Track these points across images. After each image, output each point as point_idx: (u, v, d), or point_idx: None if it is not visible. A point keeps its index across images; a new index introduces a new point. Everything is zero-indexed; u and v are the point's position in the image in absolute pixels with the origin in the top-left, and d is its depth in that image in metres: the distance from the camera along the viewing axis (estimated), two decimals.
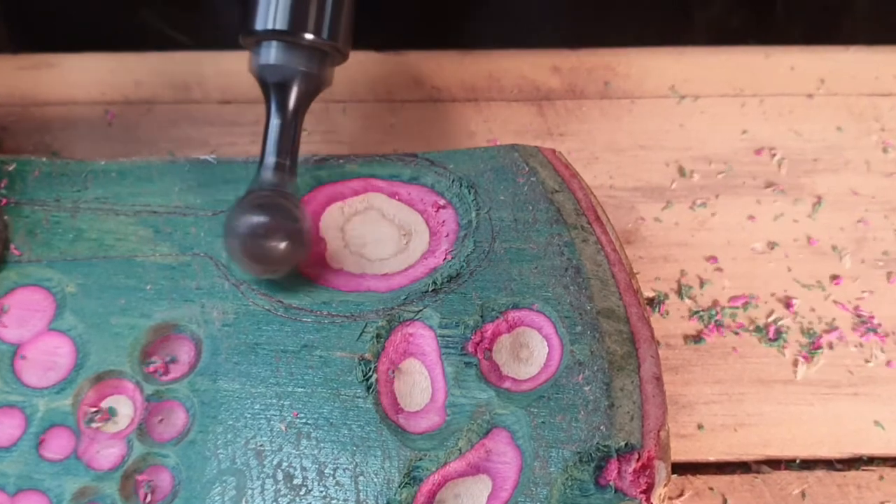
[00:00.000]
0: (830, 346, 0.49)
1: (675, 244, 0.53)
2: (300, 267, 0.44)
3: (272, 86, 0.43)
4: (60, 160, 0.48)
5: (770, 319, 0.50)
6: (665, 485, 0.38)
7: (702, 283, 0.51)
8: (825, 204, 0.54)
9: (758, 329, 0.50)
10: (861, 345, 0.49)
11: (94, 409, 0.42)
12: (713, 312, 0.50)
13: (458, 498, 0.39)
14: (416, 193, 0.46)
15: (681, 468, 0.46)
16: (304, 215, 0.42)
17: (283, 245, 0.41)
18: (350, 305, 0.43)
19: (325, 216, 0.47)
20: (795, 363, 0.49)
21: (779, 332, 0.49)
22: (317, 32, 0.43)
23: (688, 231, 0.53)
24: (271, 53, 0.43)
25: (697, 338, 0.49)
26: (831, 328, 0.50)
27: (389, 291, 0.43)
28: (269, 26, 0.43)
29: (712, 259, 0.52)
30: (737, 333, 0.50)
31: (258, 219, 0.41)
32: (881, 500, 0.45)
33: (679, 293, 0.51)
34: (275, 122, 0.43)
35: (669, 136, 0.57)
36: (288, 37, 0.43)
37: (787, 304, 0.51)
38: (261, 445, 0.40)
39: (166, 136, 0.57)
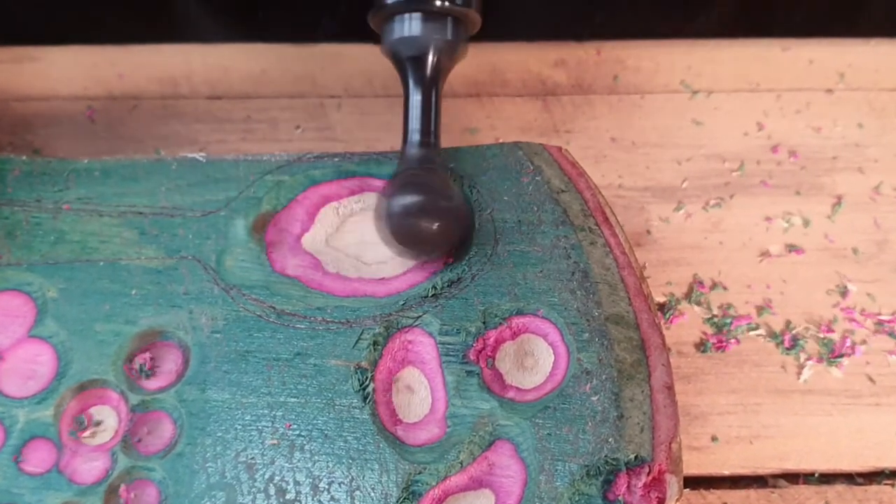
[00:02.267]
0: (850, 354, 0.49)
1: (687, 247, 0.53)
2: (291, 271, 0.44)
3: (408, 60, 0.44)
4: (41, 158, 0.48)
5: (787, 326, 0.50)
6: (677, 500, 0.38)
7: (715, 288, 0.51)
8: (845, 205, 0.54)
9: (774, 336, 0.50)
10: (883, 352, 0.49)
11: (80, 418, 0.42)
12: (727, 319, 0.50)
13: None
14: None
15: (693, 482, 0.46)
16: (457, 192, 0.43)
17: (438, 224, 0.42)
18: (346, 311, 0.43)
19: (320, 217, 0.47)
20: (814, 372, 0.49)
21: (795, 340, 0.49)
22: None
23: (701, 233, 0.53)
24: (405, 26, 0.44)
25: (719, 345, 0.49)
26: (851, 335, 0.50)
27: (387, 296, 0.43)
28: None
29: (726, 262, 0.52)
30: (752, 340, 0.50)
31: (412, 198, 0.41)
32: None
33: (691, 298, 0.51)
34: (415, 97, 0.44)
35: (681, 132, 0.57)
36: (420, 6, 0.44)
37: (805, 309, 0.51)
38: (252, 458, 0.40)
39: (152, 133, 0.57)
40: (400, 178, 0.42)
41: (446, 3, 0.43)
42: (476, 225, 0.44)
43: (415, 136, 0.43)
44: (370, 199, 0.47)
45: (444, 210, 0.42)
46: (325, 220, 0.46)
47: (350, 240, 0.46)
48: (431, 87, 0.44)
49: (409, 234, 0.42)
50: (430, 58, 0.44)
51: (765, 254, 0.52)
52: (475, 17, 0.45)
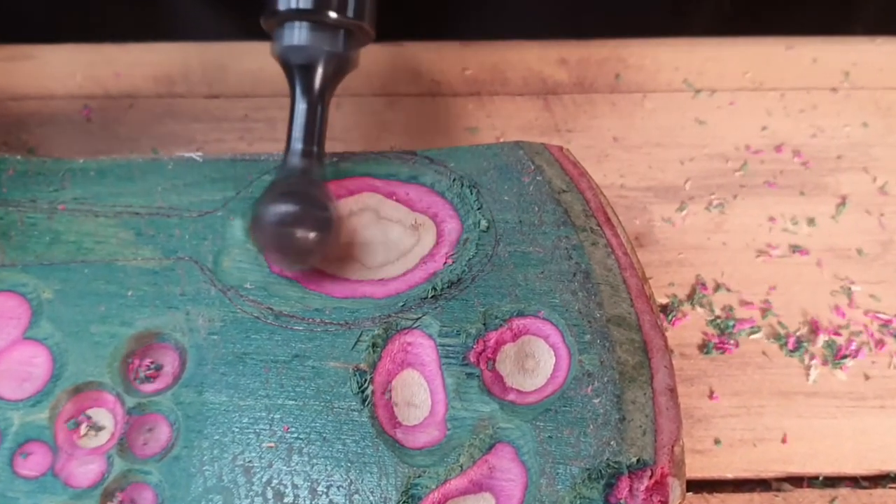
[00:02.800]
0: (855, 356, 0.49)
1: (689, 247, 0.53)
2: (288, 271, 0.44)
3: (296, 68, 0.44)
4: (37, 158, 0.48)
5: (791, 328, 0.50)
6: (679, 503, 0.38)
7: (718, 289, 0.51)
8: (850, 205, 0.54)
9: (777, 338, 0.50)
10: (888, 354, 0.49)
11: (77, 420, 0.42)
12: (730, 321, 0.50)
13: None
14: (414, 193, 0.46)
15: (696, 486, 0.46)
16: (333, 203, 0.43)
17: (312, 235, 0.42)
18: (344, 312, 0.43)
19: None
20: (818, 374, 0.49)
21: (799, 342, 0.49)
22: (341, 10, 0.43)
23: (703, 234, 0.53)
24: (294, 34, 0.44)
25: (721, 347, 0.49)
26: (856, 336, 0.50)
27: (386, 298, 0.43)
28: (292, 5, 0.43)
29: (730, 263, 0.52)
30: (755, 342, 0.50)
31: (286, 208, 0.42)
32: None
33: (694, 300, 0.51)
34: (300, 106, 0.44)
35: (684, 132, 0.57)
36: (312, 16, 0.43)
37: (809, 311, 0.51)
38: (249, 462, 0.40)
39: (149, 133, 0.57)
40: (277, 187, 0.42)
41: (337, 15, 0.43)
42: (478, 227, 0.44)
43: (297, 146, 0.43)
44: (369, 199, 0.47)
45: (320, 221, 0.42)
46: None
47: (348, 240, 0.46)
48: (319, 97, 0.44)
49: (283, 243, 0.42)
50: (319, 68, 0.44)
51: (768, 255, 0.52)
52: (368, 30, 0.45)
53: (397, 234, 0.46)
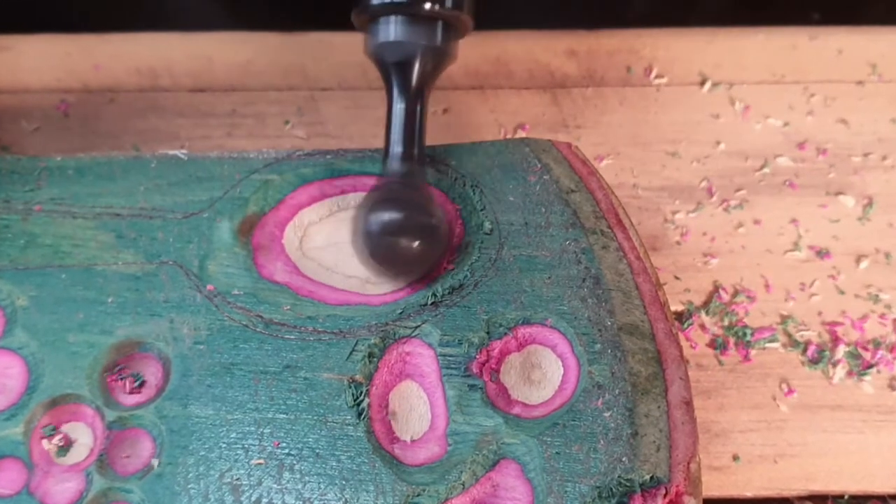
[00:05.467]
0: (883, 367, 0.49)
1: (706, 251, 0.53)
2: (280, 277, 0.45)
3: (392, 66, 0.44)
4: (10, 156, 0.49)
5: (813, 337, 0.50)
6: None
7: (737, 295, 0.51)
8: (877, 205, 0.54)
9: (800, 347, 0.50)
10: None
11: (51, 432, 0.43)
12: (749, 329, 0.50)
13: None
14: None
15: None
16: (438, 209, 0.43)
17: (417, 243, 0.42)
18: (338, 320, 0.43)
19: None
20: (843, 386, 0.49)
21: (821, 352, 0.49)
22: (438, 1, 0.43)
23: (721, 236, 0.53)
24: (390, 29, 0.44)
25: (741, 357, 0.50)
26: (884, 346, 0.50)
27: (383, 304, 0.44)
28: None
29: (749, 268, 0.52)
30: (776, 352, 0.50)
31: (390, 216, 0.42)
32: None
33: (710, 307, 0.51)
34: (398, 106, 0.44)
35: (700, 128, 0.57)
36: (406, 9, 0.43)
37: (834, 318, 0.51)
38: (237, 479, 0.40)
39: (131, 129, 0.57)
40: (379, 193, 0.43)
41: (435, 7, 0.43)
42: (481, 229, 0.44)
43: (396, 149, 0.44)
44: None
45: (426, 228, 0.42)
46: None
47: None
48: (417, 96, 0.44)
49: (386, 253, 0.42)
50: (417, 65, 0.44)
51: (790, 259, 0.53)
52: (466, 21, 0.45)
53: None
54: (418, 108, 0.44)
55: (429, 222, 0.42)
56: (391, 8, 0.43)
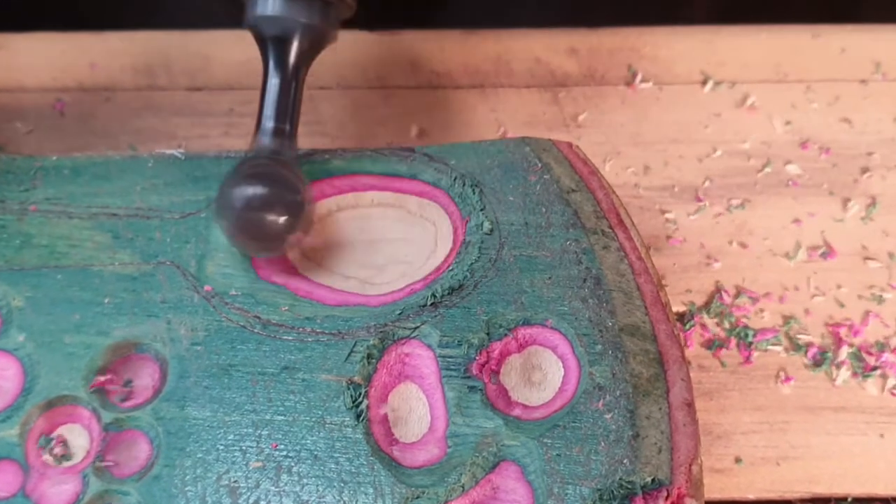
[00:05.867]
0: (886, 368, 0.49)
1: (708, 251, 0.53)
2: (278, 278, 0.45)
3: (270, 40, 0.44)
4: (6, 155, 0.49)
5: (816, 338, 0.50)
6: None
7: (739, 296, 0.51)
8: (880, 206, 0.54)
9: (802, 348, 0.50)
10: None
11: (49, 438, 0.43)
12: (751, 330, 0.50)
13: None
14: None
15: None
16: (304, 185, 0.43)
17: (282, 219, 0.42)
18: (337, 321, 0.43)
19: None
20: (847, 387, 0.49)
21: (823, 354, 0.49)
22: None
23: (724, 236, 0.53)
24: (268, 3, 0.44)
25: (742, 358, 0.50)
26: (888, 347, 0.50)
27: (382, 305, 0.44)
28: None
29: (751, 269, 0.52)
30: (778, 353, 0.50)
31: (254, 189, 0.42)
32: None
33: (712, 308, 0.51)
34: (273, 81, 0.44)
35: (702, 127, 0.57)
36: None
37: (837, 319, 0.51)
38: (235, 482, 0.40)
39: (127, 128, 0.58)
40: (246, 168, 0.43)
41: None
42: (481, 229, 0.44)
43: (268, 124, 0.44)
44: (363, 198, 0.47)
45: (291, 204, 0.42)
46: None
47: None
48: (293, 73, 0.44)
49: (251, 227, 0.42)
50: (295, 41, 0.44)
51: (793, 259, 0.53)
52: (349, 2, 0.45)
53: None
54: (293, 84, 0.44)
55: (293, 198, 0.42)
56: None
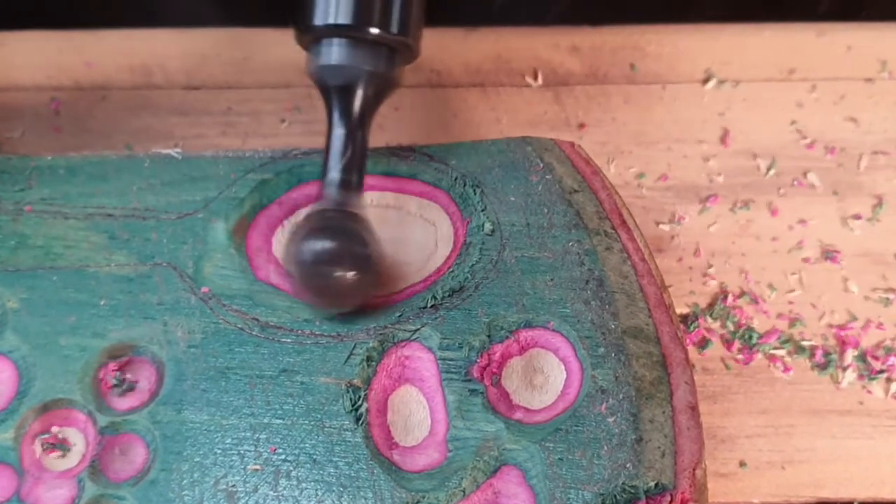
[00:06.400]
0: (893, 372, 0.49)
1: (712, 253, 0.53)
2: (276, 279, 0.45)
3: (334, 89, 0.44)
4: (0, 155, 0.49)
5: (821, 340, 0.50)
6: None
7: (742, 297, 0.51)
8: (887, 206, 0.54)
9: (808, 351, 0.50)
10: None
11: (46, 436, 0.43)
12: (755, 333, 0.50)
13: None
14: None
15: None
16: (374, 239, 0.43)
17: (350, 274, 0.41)
18: (336, 323, 0.43)
19: None
20: (853, 391, 0.49)
21: (828, 356, 0.49)
22: (384, 26, 0.43)
23: (728, 237, 0.53)
24: (332, 52, 0.43)
25: (746, 360, 0.50)
26: (894, 350, 0.50)
27: (381, 307, 0.44)
28: (330, 20, 0.43)
29: (756, 270, 0.52)
30: (783, 356, 0.50)
31: (322, 245, 0.41)
32: None
33: (715, 310, 0.51)
34: (338, 131, 0.43)
35: (707, 127, 0.57)
36: (351, 32, 0.43)
37: (843, 321, 0.51)
38: (233, 486, 0.40)
39: (123, 127, 0.57)
40: (313, 221, 0.42)
41: (380, 31, 0.43)
42: (482, 230, 0.44)
43: (334, 175, 0.43)
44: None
45: (360, 259, 0.42)
46: None
47: None
48: (358, 122, 0.44)
49: (319, 283, 0.42)
50: (359, 90, 0.43)
51: (798, 260, 0.53)
52: (413, 47, 0.45)
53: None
54: (359, 134, 0.44)
55: (363, 252, 0.42)
56: (335, 30, 0.43)
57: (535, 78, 0.58)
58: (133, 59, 0.60)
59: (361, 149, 0.44)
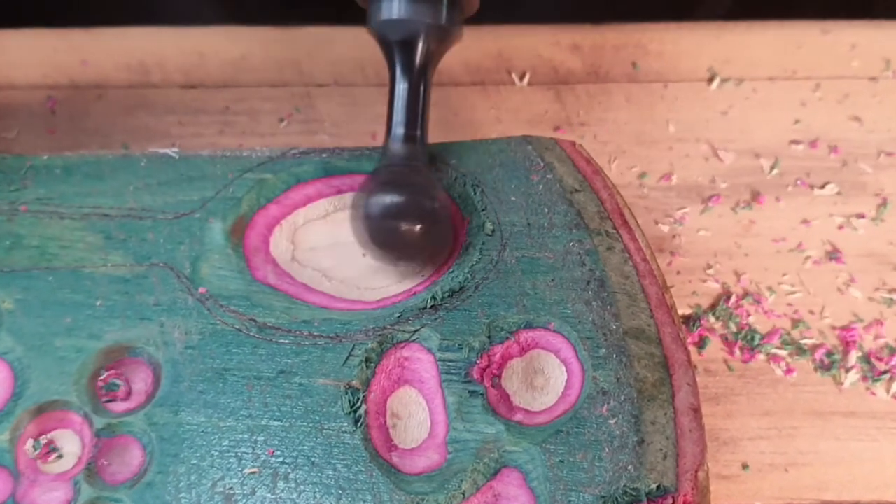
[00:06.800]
0: None
1: (715, 253, 0.53)
2: (274, 280, 0.45)
3: (396, 44, 0.44)
4: None
5: (825, 341, 0.50)
6: None
7: (745, 298, 0.51)
8: (891, 205, 0.54)
9: (811, 352, 0.50)
10: None
11: (38, 441, 0.43)
12: (758, 334, 0.50)
13: None
14: None
15: None
16: (441, 192, 0.43)
17: (419, 227, 0.42)
18: (335, 324, 0.43)
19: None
20: (857, 392, 0.49)
21: (831, 356, 0.49)
22: None
23: (731, 237, 0.53)
24: (393, 6, 0.44)
25: (745, 361, 0.50)
26: None
27: (381, 308, 0.44)
28: None
29: (759, 270, 0.52)
30: (787, 357, 0.50)
31: (390, 198, 0.42)
32: None
33: (718, 310, 0.51)
34: (401, 86, 0.44)
35: (709, 125, 0.57)
36: None
37: (847, 322, 0.51)
38: (230, 489, 0.40)
39: (120, 126, 0.58)
40: (380, 176, 0.43)
41: None
42: (482, 230, 0.44)
43: (399, 130, 0.44)
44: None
45: (428, 212, 0.42)
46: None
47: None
48: (420, 76, 0.44)
49: (388, 236, 0.42)
50: (420, 43, 0.44)
51: (802, 260, 0.53)
52: None
53: None
54: (422, 87, 0.44)
55: (431, 206, 0.43)
56: None
57: (522, 79, 0.59)
58: (130, 57, 0.60)
59: (424, 102, 0.45)
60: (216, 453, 0.41)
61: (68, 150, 0.51)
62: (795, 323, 0.51)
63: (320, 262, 0.46)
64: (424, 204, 0.42)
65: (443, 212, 0.43)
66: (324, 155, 0.47)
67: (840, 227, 0.53)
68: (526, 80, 0.59)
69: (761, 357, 0.50)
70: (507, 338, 0.42)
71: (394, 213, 0.42)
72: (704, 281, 0.52)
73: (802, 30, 0.60)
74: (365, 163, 0.47)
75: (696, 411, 0.39)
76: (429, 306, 0.43)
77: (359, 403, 0.41)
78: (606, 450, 0.39)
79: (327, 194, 0.47)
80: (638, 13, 0.61)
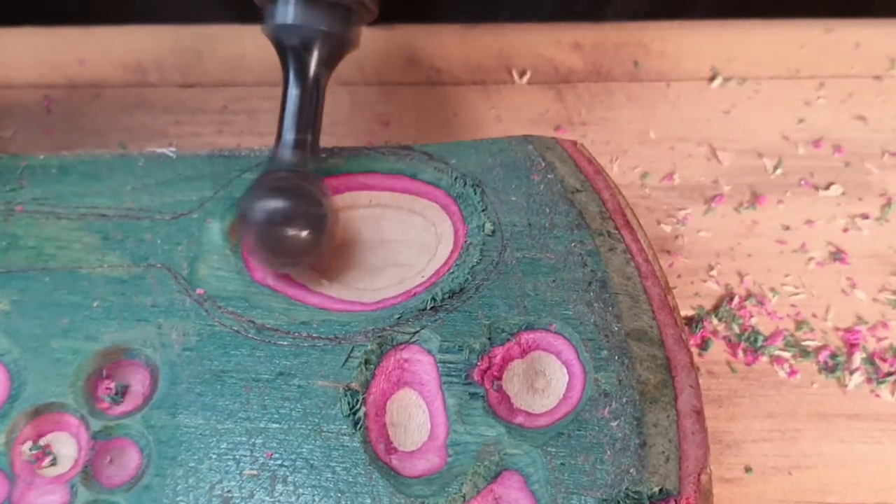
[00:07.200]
0: None
1: (717, 253, 0.53)
2: (273, 281, 0.45)
3: (289, 49, 0.44)
4: None
5: (829, 343, 0.50)
6: None
7: (749, 299, 0.51)
8: (895, 206, 0.54)
9: (815, 354, 0.50)
10: None
11: (34, 445, 0.43)
12: (761, 335, 0.50)
13: None
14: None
15: None
16: (328, 199, 0.43)
17: (304, 233, 0.42)
18: (334, 326, 0.43)
19: None
20: (861, 394, 0.49)
21: (835, 358, 0.49)
22: None
23: (734, 238, 0.53)
24: (288, 11, 0.44)
25: (749, 363, 0.50)
26: None
27: (380, 309, 0.44)
28: None
29: (762, 271, 0.52)
30: (790, 359, 0.50)
31: (276, 204, 0.42)
32: None
33: (721, 312, 0.51)
34: (293, 91, 0.44)
35: (711, 125, 0.57)
36: None
37: (850, 323, 0.51)
38: (228, 492, 0.40)
39: (117, 126, 0.58)
40: (265, 182, 0.43)
41: None
42: (483, 230, 0.44)
43: (289, 136, 0.44)
44: (360, 199, 0.47)
45: (312, 218, 0.42)
46: None
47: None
48: (314, 82, 0.44)
49: (271, 241, 0.42)
50: (315, 50, 0.44)
51: (805, 261, 0.53)
52: (370, 7, 0.45)
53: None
54: (314, 94, 0.44)
55: (316, 212, 0.43)
56: None
57: (522, 78, 0.59)
58: (127, 56, 0.60)
59: (316, 109, 0.45)
60: (214, 456, 0.41)
61: (65, 149, 0.50)
62: (799, 324, 0.51)
63: (319, 263, 0.46)
64: (309, 210, 0.42)
65: (328, 218, 0.43)
66: (322, 154, 0.47)
67: (844, 227, 0.53)
68: (526, 79, 0.59)
69: (764, 359, 0.50)
70: (508, 339, 0.42)
71: (279, 219, 0.42)
72: (707, 282, 0.52)
73: (805, 28, 0.60)
74: (364, 162, 0.47)
75: (699, 413, 0.39)
76: (429, 307, 0.43)
77: (358, 405, 0.41)
78: (608, 452, 0.39)
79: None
80: (640, 11, 0.61)
